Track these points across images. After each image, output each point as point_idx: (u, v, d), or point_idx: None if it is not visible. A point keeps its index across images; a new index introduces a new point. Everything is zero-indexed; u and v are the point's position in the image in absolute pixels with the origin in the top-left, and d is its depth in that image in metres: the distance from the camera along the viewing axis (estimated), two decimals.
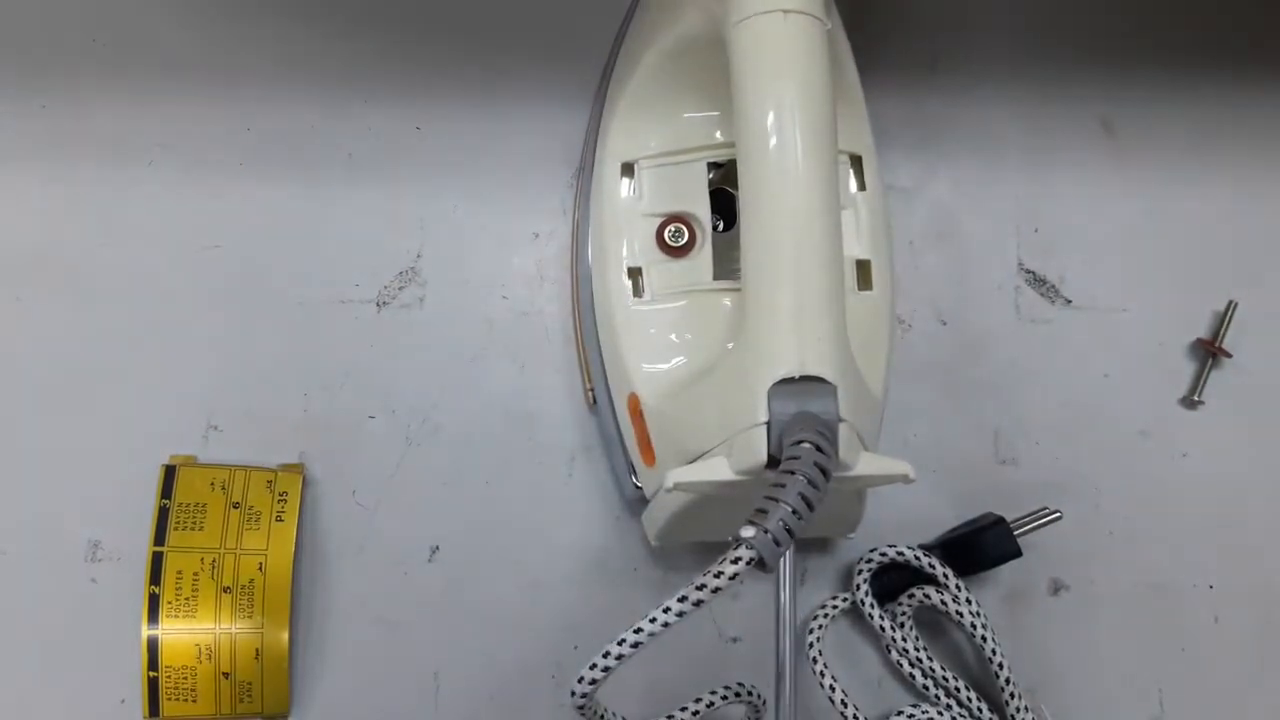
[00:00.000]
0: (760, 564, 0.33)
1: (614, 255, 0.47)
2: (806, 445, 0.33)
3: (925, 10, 0.58)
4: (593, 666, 0.36)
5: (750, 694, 0.48)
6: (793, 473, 0.33)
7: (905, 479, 0.38)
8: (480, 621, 0.51)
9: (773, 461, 0.35)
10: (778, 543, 0.33)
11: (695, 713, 0.47)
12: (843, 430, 0.35)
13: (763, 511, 0.33)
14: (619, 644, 0.35)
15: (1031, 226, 0.56)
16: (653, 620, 0.35)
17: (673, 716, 0.47)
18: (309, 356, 0.52)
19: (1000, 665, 0.49)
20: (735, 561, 0.33)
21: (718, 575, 0.34)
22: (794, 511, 0.32)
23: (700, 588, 0.34)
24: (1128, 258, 0.56)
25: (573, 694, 0.37)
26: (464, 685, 0.50)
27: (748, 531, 0.33)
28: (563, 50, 0.55)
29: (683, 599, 0.34)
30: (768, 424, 0.35)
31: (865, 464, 0.37)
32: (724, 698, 0.48)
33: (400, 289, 0.53)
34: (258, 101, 0.54)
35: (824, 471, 0.33)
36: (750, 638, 0.51)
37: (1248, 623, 0.53)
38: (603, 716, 0.42)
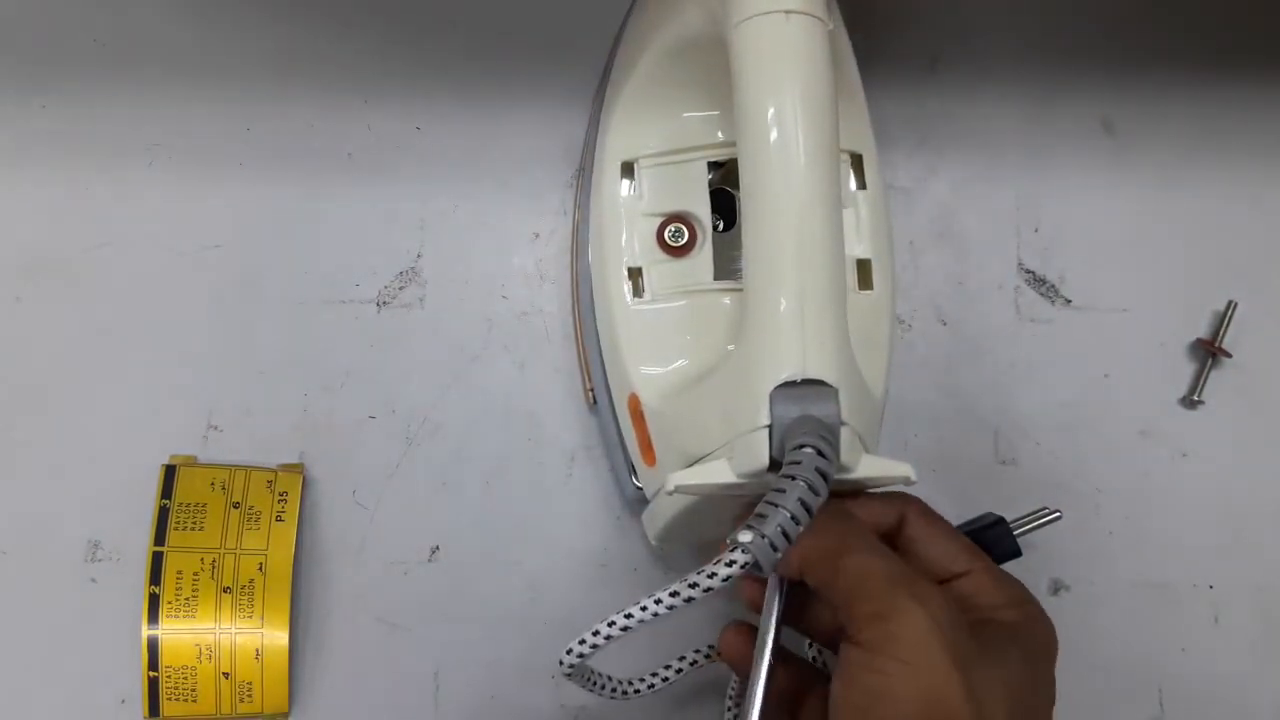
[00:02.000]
0: (755, 567, 0.33)
1: (614, 255, 0.47)
2: (808, 450, 0.33)
3: (926, 9, 0.58)
4: (581, 641, 0.38)
5: None
6: (793, 478, 0.33)
7: (906, 480, 0.38)
8: (480, 621, 0.51)
9: (774, 465, 0.35)
10: (774, 548, 0.33)
11: (679, 670, 0.47)
12: (844, 433, 0.35)
13: (761, 516, 0.33)
14: (608, 625, 0.37)
15: (1031, 226, 0.56)
16: (643, 608, 0.36)
17: (657, 674, 0.47)
18: (309, 356, 0.52)
19: None
20: (730, 564, 0.33)
21: (711, 575, 0.34)
22: (793, 517, 0.33)
23: (693, 585, 0.35)
24: (1128, 258, 0.56)
25: (561, 662, 0.39)
26: (464, 685, 0.50)
27: (745, 535, 0.33)
28: (563, 50, 0.55)
29: (674, 593, 0.35)
30: (769, 427, 0.35)
31: (866, 466, 0.37)
32: (707, 657, 0.48)
33: (400, 289, 0.53)
34: (258, 101, 0.54)
35: (825, 476, 0.33)
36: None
37: (1248, 623, 0.54)
38: (590, 678, 0.43)
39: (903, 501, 0.40)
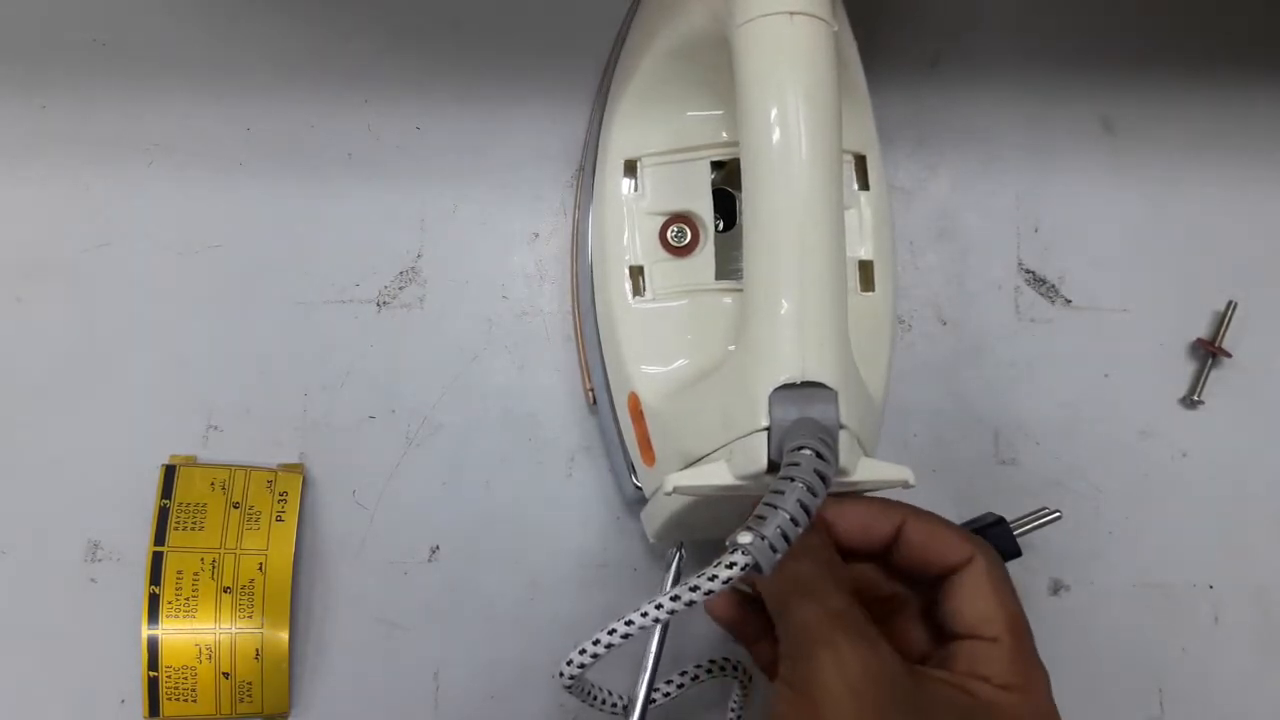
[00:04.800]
0: (756, 569, 0.33)
1: (615, 253, 0.47)
2: (807, 452, 0.33)
3: (927, 9, 0.58)
4: (581, 651, 0.38)
5: (736, 668, 0.48)
6: (792, 479, 0.33)
7: (905, 484, 0.38)
8: (480, 621, 0.51)
9: (773, 466, 0.35)
10: (774, 549, 0.33)
11: (680, 685, 0.47)
12: (843, 436, 0.35)
13: (761, 518, 0.33)
14: (609, 633, 0.37)
15: (1031, 226, 0.56)
16: (643, 615, 0.36)
17: (658, 688, 0.47)
18: (309, 356, 0.52)
19: None
20: (730, 566, 0.33)
21: (711, 579, 0.34)
22: (792, 519, 0.33)
23: (693, 589, 0.34)
24: (1128, 258, 0.56)
25: (560, 674, 0.39)
26: (464, 685, 0.51)
27: (744, 537, 0.33)
28: (563, 50, 0.55)
29: (674, 598, 0.35)
30: (768, 429, 0.35)
31: (865, 469, 0.37)
32: (709, 671, 0.48)
33: (400, 289, 0.53)
34: (258, 101, 0.54)
35: (824, 478, 0.33)
36: None
37: (1248, 623, 0.54)
38: (591, 692, 0.43)
39: (902, 511, 0.39)
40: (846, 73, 0.46)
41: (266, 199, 0.53)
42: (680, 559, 0.43)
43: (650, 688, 0.41)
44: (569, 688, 0.40)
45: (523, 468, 0.52)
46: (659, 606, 0.35)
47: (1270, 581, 0.54)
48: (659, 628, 0.41)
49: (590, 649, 0.38)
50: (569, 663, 0.38)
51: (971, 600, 0.37)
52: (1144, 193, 0.57)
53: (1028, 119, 0.57)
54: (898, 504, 0.39)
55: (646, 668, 0.41)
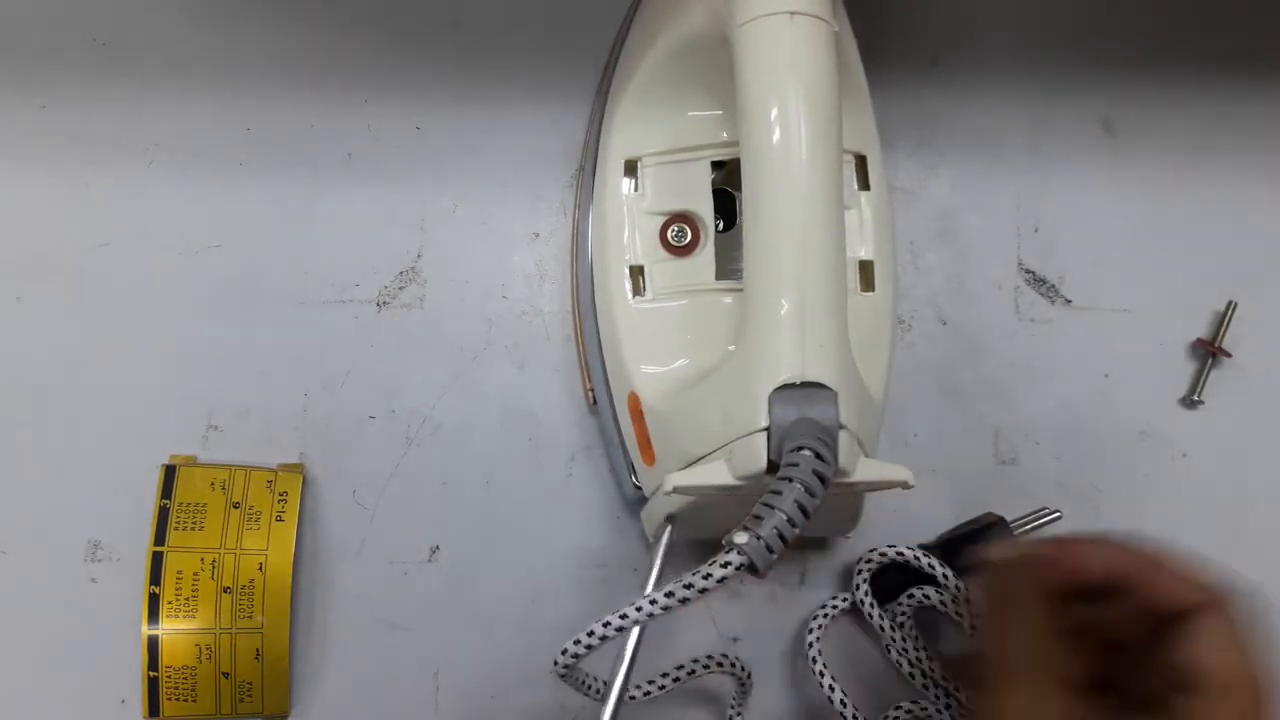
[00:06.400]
0: (751, 569, 0.33)
1: (615, 253, 0.47)
2: (806, 453, 0.34)
3: (927, 9, 0.58)
4: (576, 642, 0.38)
5: (734, 665, 0.48)
6: (790, 480, 0.33)
7: (904, 485, 0.38)
8: (480, 621, 0.51)
9: (773, 467, 0.35)
10: (770, 550, 0.33)
11: (676, 679, 0.47)
12: (843, 437, 0.35)
13: (758, 518, 0.33)
14: (603, 625, 0.37)
15: (1031, 226, 0.56)
16: (638, 609, 0.36)
17: (653, 681, 0.47)
18: (309, 356, 0.52)
19: None
20: (725, 565, 0.33)
21: (706, 577, 0.34)
22: (789, 520, 0.33)
23: (688, 586, 0.34)
24: (1128, 258, 0.56)
25: (555, 663, 0.39)
26: (464, 685, 0.51)
27: (740, 537, 0.33)
28: (563, 50, 0.55)
29: (669, 594, 0.35)
30: (768, 430, 0.35)
31: (864, 470, 0.37)
32: (705, 666, 0.48)
33: (400, 289, 0.53)
34: (258, 101, 0.54)
35: (822, 479, 0.33)
36: (750, 637, 0.51)
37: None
38: (585, 682, 0.43)
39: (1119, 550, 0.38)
40: (847, 73, 0.46)
41: (266, 199, 0.53)
42: (669, 534, 0.43)
43: (627, 678, 0.41)
44: (563, 676, 0.41)
45: (523, 468, 0.52)
46: (654, 602, 0.36)
47: (1270, 581, 0.54)
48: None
49: (584, 640, 0.38)
50: (563, 652, 0.39)
51: (1207, 650, 0.36)
52: (1144, 193, 0.57)
53: (1028, 119, 0.57)
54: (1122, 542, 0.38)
55: (624, 659, 0.41)
